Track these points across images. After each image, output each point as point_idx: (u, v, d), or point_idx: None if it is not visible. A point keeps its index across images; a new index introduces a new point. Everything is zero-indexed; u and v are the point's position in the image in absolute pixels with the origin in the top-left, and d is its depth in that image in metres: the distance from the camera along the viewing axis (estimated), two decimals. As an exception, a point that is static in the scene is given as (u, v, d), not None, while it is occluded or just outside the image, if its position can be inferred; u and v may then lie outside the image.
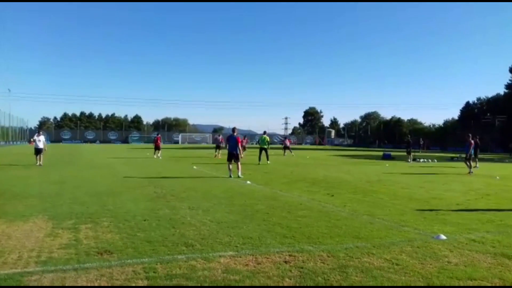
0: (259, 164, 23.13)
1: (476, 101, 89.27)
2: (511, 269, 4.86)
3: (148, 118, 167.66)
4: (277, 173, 18.16)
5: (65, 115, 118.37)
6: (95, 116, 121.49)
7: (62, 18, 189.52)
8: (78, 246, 5.59)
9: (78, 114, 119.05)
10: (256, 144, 54.47)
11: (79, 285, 4.19)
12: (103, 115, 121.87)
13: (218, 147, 31.51)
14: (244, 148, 26.55)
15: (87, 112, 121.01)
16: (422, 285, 4.29)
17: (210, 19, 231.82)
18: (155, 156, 29.43)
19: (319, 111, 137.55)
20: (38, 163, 20.52)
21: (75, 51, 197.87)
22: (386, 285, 4.28)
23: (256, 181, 14.33)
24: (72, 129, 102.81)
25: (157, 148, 30.02)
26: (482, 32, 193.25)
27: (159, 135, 32.09)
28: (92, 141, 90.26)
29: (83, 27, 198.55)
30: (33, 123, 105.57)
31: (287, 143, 36.86)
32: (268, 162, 23.75)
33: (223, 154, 26.45)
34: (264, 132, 25.83)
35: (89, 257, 5.08)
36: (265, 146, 24.23)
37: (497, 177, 17.45)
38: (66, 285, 4.19)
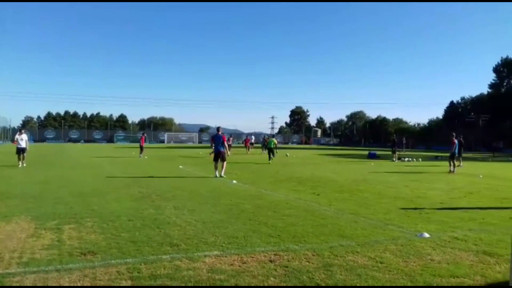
0: (269, 163, 24.33)
1: (460, 101, 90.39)
2: (493, 266, 4.93)
3: (134, 117, 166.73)
4: (263, 172, 18.17)
5: (49, 114, 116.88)
6: (79, 115, 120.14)
7: (43, 16, 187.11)
8: (61, 247, 5.52)
9: (62, 113, 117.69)
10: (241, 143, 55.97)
11: (61, 285, 4.14)
12: (88, 114, 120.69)
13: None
14: (229, 147, 28.20)
15: (71, 111, 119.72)
16: (406, 283, 4.33)
17: (197, 18, 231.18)
18: (140, 156, 29.14)
19: (305, 110, 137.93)
20: (20, 165, 19.41)
21: (60, 49, 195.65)
22: (370, 283, 4.31)
23: (242, 180, 14.31)
24: (56, 128, 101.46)
25: (140, 148, 30.03)
26: (466, 33, 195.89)
27: (144, 135, 31.97)
28: (77, 140, 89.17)
29: (68, 25, 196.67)
30: (16, 122, 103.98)
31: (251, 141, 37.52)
32: (270, 162, 24.78)
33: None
34: (273, 136, 32.01)
35: (72, 258, 5.03)
36: (272, 147, 26.49)
37: (480, 176, 17.69)
38: (49, 285, 4.13)
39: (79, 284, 4.17)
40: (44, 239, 5.93)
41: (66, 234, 6.23)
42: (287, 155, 33.95)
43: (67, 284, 4.17)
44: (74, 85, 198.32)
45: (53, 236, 6.13)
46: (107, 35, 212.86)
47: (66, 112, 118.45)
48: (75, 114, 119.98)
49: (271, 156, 25.75)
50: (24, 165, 19.47)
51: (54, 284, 4.17)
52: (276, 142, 27.93)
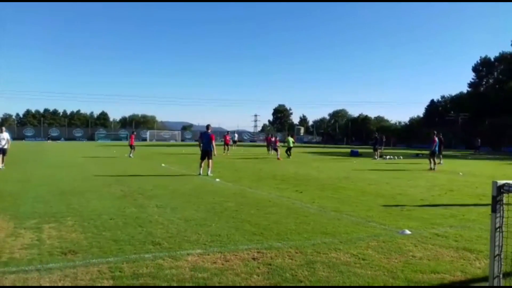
0: (288, 158, 27.65)
1: (440, 99, 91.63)
2: (473, 262, 5.01)
3: (115, 115, 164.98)
4: (247, 170, 18.17)
5: (28, 111, 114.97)
6: (59, 113, 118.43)
7: (23, 13, 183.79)
8: (41, 246, 5.44)
9: (42, 110, 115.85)
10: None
11: (42, 285, 4.07)
12: (68, 112, 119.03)
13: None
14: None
15: (51, 108, 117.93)
16: (388, 280, 4.37)
17: (181, 16, 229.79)
18: (131, 156, 27.57)
19: (288, 108, 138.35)
20: (0, 166, 17.00)
21: (39, 46, 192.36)
22: (352, 279, 4.34)
23: (226, 178, 14.28)
24: (35, 126, 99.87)
25: (131, 146, 28.61)
26: (447, 32, 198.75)
27: (134, 133, 31.26)
28: (57, 138, 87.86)
29: (46, 21, 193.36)
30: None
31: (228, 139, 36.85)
32: (289, 157, 28.01)
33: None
34: (292, 135, 34.12)
35: (53, 257, 4.95)
36: (291, 145, 29.49)
37: (460, 173, 17.97)
38: (29, 285, 4.06)
39: (60, 284, 4.10)
40: (24, 239, 5.82)
41: (46, 233, 6.13)
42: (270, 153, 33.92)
43: (47, 284, 4.10)
44: (54, 83, 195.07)
45: (33, 235, 6.03)
46: (90, 32, 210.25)
47: (46, 110, 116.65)
48: (55, 112, 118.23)
49: (288, 153, 28.51)
50: (3, 167, 16.97)
51: (34, 284, 4.10)
52: (293, 140, 31.15)
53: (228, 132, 38.83)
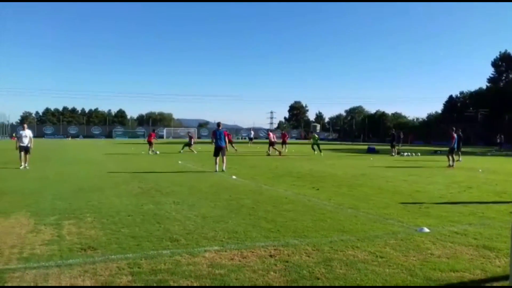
0: (315, 154, 28.56)
1: (459, 95, 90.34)
2: (493, 260, 4.94)
3: (132, 113, 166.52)
4: (263, 167, 18.18)
5: (47, 109, 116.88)
6: (78, 111, 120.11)
7: (43, 11, 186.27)
8: (61, 242, 5.52)
9: (60, 108, 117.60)
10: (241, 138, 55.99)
11: (63, 282, 4.14)
12: (86, 110, 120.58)
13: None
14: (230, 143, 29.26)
15: (70, 106, 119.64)
16: (406, 278, 4.34)
17: (197, 15, 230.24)
18: (150, 152, 28.10)
19: (304, 105, 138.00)
20: (23, 165, 16.19)
21: (58, 45, 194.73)
22: (370, 277, 4.31)
23: (242, 175, 14.32)
24: (54, 124, 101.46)
25: (150, 143, 29.02)
26: (465, 27, 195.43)
27: (155, 131, 31.57)
28: (75, 136, 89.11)
29: (66, 21, 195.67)
30: (15, 118, 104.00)
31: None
32: (322, 154, 28.37)
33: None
34: (314, 132, 33.32)
35: (72, 253, 5.03)
36: (318, 142, 30.10)
37: (480, 170, 17.71)
38: (50, 282, 4.13)
39: (79, 280, 4.17)
40: (44, 235, 5.92)
41: (65, 230, 6.23)
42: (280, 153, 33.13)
43: (68, 280, 4.17)
44: (73, 81, 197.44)
45: (53, 231, 6.13)
46: (106, 31, 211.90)
47: (65, 108, 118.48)
48: (74, 110, 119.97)
49: (318, 150, 29.15)
50: (27, 167, 16.20)
51: (54, 280, 4.17)
52: (317, 137, 31.45)
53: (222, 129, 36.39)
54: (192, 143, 30.49)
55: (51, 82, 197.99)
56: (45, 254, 5.01)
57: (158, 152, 28.38)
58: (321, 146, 30.68)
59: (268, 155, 27.76)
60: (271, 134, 30.97)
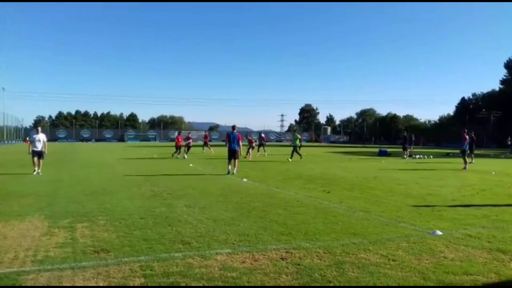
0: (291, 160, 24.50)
1: (471, 97, 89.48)
2: (507, 264, 4.89)
3: (144, 116, 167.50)
4: (273, 170, 18.18)
5: (60, 113, 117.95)
6: (90, 115, 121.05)
7: (55, 16, 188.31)
8: (74, 245, 5.58)
9: (73, 112, 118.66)
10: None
11: (77, 284, 4.18)
12: (99, 114, 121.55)
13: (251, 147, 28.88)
14: (252, 147, 28.65)
15: (82, 110, 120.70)
16: (419, 281, 4.31)
17: (207, 17, 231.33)
18: (178, 156, 26.82)
19: (315, 108, 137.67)
20: (36, 171, 15.35)
21: (70, 49, 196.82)
22: (382, 280, 4.30)
23: (253, 178, 14.33)
24: (67, 127, 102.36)
25: (177, 147, 27.30)
26: (477, 28, 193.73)
27: (181, 134, 29.20)
28: (88, 139, 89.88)
29: (78, 25, 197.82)
30: (28, 122, 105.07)
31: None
32: (290, 160, 24.76)
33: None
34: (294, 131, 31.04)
35: (86, 256, 5.08)
36: (298, 144, 26.53)
37: (493, 173, 17.53)
38: (63, 284, 4.18)
39: (93, 282, 4.21)
40: (58, 238, 5.99)
41: (79, 233, 6.29)
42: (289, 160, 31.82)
43: (81, 282, 4.21)
44: (85, 85, 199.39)
45: (67, 234, 6.20)
46: (117, 35, 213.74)
47: (77, 112, 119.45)
48: (86, 114, 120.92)
49: (297, 153, 25.31)
50: (40, 173, 15.33)
51: (68, 282, 4.21)
52: (299, 138, 27.79)
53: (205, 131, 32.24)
54: (189, 145, 28.42)
55: (64, 86, 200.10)
56: (59, 256, 5.07)
57: (184, 157, 26.46)
58: (333, 149, 30.24)
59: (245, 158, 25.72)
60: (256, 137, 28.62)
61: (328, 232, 6.43)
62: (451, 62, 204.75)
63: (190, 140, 28.56)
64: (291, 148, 26.51)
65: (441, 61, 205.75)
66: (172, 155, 27.46)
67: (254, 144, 29.80)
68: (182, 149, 27.73)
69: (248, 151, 27.46)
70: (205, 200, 9.54)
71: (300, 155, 25.79)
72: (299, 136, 27.70)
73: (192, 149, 29.29)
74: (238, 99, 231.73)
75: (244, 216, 7.65)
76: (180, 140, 27.85)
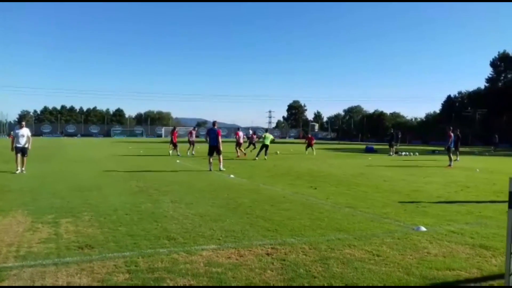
0: (256, 159, 22.74)
1: (457, 95, 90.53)
2: (489, 259, 4.95)
3: (131, 111, 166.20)
4: (261, 167, 18.18)
5: (45, 108, 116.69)
6: (76, 110, 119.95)
7: (43, 10, 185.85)
8: (58, 241, 5.52)
9: (58, 107, 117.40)
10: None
11: (59, 279, 4.14)
12: (84, 109, 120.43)
13: (251, 143, 28.09)
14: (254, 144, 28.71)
15: (68, 105, 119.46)
16: (403, 276, 4.34)
17: (195, 13, 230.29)
18: (171, 152, 25.85)
19: (303, 104, 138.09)
20: (19, 170, 14.24)
21: (56, 44, 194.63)
22: (366, 276, 4.32)
23: (240, 174, 14.32)
24: (52, 122, 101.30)
25: (174, 144, 26.02)
26: (464, 27, 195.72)
27: (176, 130, 27.74)
28: (73, 134, 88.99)
29: (65, 19, 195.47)
30: (13, 117, 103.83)
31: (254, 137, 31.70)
32: (256, 158, 22.93)
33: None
34: (266, 130, 28.42)
35: (70, 252, 5.03)
36: (266, 143, 23.64)
37: (477, 170, 17.74)
38: (46, 279, 4.13)
39: (76, 278, 4.17)
40: (41, 233, 5.92)
41: (63, 228, 6.23)
42: (277, 153, 29.98)
43: (64, 278, 4.17)
44: (71, 80, 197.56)
45: (50, 230, 6.13)
46: (104, 30, 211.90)
47: (63, 107, 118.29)
48: (72, 109, 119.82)
49: (265, 153, 23.34)
50: (24, 171, 14.26)
51: (51, 278, 4.17)
52: (272, 138, 25.16)
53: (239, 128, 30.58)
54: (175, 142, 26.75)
55: (49, 81, 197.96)
56: (42, 252, 5.01)
57: (180, 154, 25.49)
58: (321, 146, 30.16)
59: (237, 157, 24.70)
60: (239, 133, 26.58)
61: (314, 228, 6.45)
62: (438, 61, 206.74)
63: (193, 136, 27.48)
64: (275, 145, 25.24)
65: (428, 59, 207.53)
66: (174, 153, 26.05)
67: (254, 141, 29.59)
68: (188, 146, 26.95)
69: (246, 147, 26.92)
70: (192, 196, 9.51)
71: (263, 154, 23.36)
72: (271, 137, 24.71)
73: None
74: (226, 95, 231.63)
75: (231, 212, 7.64)
76: (176, 135, 26.63)
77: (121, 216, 7.10)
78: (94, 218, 6.96)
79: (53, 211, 7.48)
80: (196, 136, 29.84)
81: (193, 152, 26.56)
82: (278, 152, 30.32)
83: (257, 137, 31.02)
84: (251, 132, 32.63)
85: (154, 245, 5.35)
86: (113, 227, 6.30)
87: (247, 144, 29.82)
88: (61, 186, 10.86)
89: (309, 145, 30.62)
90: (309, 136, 32.54)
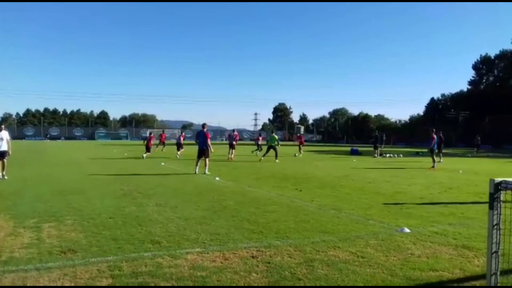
0: (261, 160, 23.76)
1: (440, 97, 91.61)
2: (472, 260, 5.02)
3: (115, 114, 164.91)
4: (247, 169, 18.17)
5: (28, 111, 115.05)
6: (59, 112, 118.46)
7: (23, 11, 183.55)
8: (40, 245, 5.44)
9: (41, 110, 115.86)
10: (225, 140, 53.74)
11: (41, 285, 4.08)
12: (68, 111, 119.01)
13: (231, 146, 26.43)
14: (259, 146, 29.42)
15: (51, 108, 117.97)
16: (386, 277, 4.38)
17: (180, 15, 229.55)
18: (144, 156, 25.31)
19: (288, 107, 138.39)
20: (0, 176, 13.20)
21: (39, 45, 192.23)
22: (351, 277, 4.34)
23: (225, 177, 14.30)
24: (35, 125, 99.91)
25: (147, 148, 26.01)
26: (447, 30, 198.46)
27: (152, 135, 28.11)
28: (57, 137, 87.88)
29: (47, 20, 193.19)
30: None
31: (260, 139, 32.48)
32: (262, 159, 23.97)
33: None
34: (272, 132, 29.87)
35: (52, 256, 4.96)
36: (273, 144, 24.46)
37: (460, 171, 17.97)
38: (27, 285, 4.07)
39: (59, 283, 4.11)
40: (23, 238, 5.83)
41: (45, 233, 6.14)
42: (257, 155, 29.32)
43: (46, 283, 4.11)
44: (55, 82, 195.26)
45: (32, 234, 6.04)
46: (90, 31, 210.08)
47: (46, 109, 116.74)
48: (55, 111, 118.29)
49: (267, 154, 24.23)
50: (6, 176, 13.20)
51: (33, 283, 4.10)
52: (277, 138, 25.42)
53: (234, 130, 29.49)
54: (151, 145, 26.85)
55: (32, 83, 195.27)
56: (24, 257, 4.93)
57: (143, 157, 25.41)
58: (306, 148, 29.96)
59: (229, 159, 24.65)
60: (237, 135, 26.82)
61: (299, 230, 6.46)
62: (422, 63, 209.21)
63: (152, 139, 27.07)
64: (266, 147, 25.62)
65: (411, 62, 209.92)
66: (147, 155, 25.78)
67: (260, 142, 30.20)
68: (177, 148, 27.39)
69: (254, 150, 27.25)
70: (177, 199, 9.46)
71: (265, 155, 24.41)
72: (276, 137, 25.59)
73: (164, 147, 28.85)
74: (212, 97, 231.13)
75: (216, 215, 7.61)
76: (151, 140, 26.74)
77: (104, 220, 7.03)
78: (77, 222, 6.88)
79: (35, 215, 7.37)
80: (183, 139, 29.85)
81: (180, 154, 26.46)
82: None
83: (262, 139, 32.25)
84: (235, 132, 32.39)
85: (138, 249, 5.30)
86: (96, 231, 6.23)
87: (256, 146, 30.85)
88: (44, 189, 10.71)
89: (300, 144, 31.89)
90: (298, 135, 33.50)
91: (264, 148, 26.77)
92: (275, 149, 24.23)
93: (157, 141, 34.59)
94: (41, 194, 9.95)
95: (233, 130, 28.70)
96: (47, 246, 5.43)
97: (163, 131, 36.57)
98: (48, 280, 4.18)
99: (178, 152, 27.13)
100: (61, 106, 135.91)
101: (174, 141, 30.37)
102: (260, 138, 32.54)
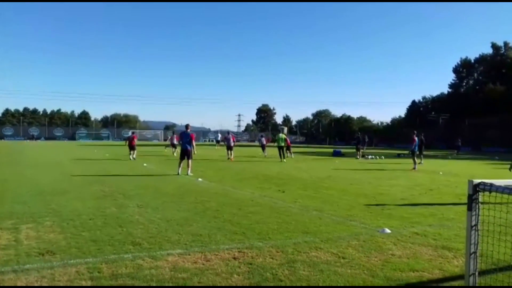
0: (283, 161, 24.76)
1: (421, 100, 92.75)
2: (451, 260, 5.08)
3: (97, 114, 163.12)
4: (230, 170, 18.13)
5: (7, 110, 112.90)
6: (39, 112, 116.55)
7: (6, 11, 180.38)
8: (18, 247, 5.34)
9: (21, 109, 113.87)
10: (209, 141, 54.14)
11: (18, 286, 4.00)
12: (48, 111, 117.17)
13: (217, 142, 27.05)
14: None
15: (30, 107, 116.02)
16: (367, 278, 4.40)
17: (166, 15, 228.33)
18: (130, 158, 24.65)
19: (272, 108, 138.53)
20: None
21: (19, 44, 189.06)
22: (332, 278, 4.36)
23: (208, 178, 14.24)
24: (14, 125, 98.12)
25: (132, 148, 25.14)
26: (429, 33, 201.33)
27: (135, 134, 27.78)
28: (37, 137, 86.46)
29: (27, 20, 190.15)
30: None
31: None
32: (284, 160, 25.05)
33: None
34: (279, 131, 30.28)
35: (30, 258, 4.87)
36: (283, 144, 25.89)
37: (440, 173, 18.21)
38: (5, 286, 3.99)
39: (36, 285, 4.03)
40: (0, 239, 5.71)
41: (23, 234, 6.02)
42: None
43: (24, 285, 4.02)
44: (34, 81, 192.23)
45: (10, 236, 5.92)
46: (72, 31, 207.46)
47: (26, 109, 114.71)
48: (35, 111, 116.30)
49: (283, 154, 25.39)
50: None
51: (10, 285, 4.02)
52: (285, 137, 26.33)
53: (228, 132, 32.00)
54: (134, 144, 25.57)
55: (11, 82, 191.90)
56: (0, 259, 4.83)
57: (134, 158, 24.71)
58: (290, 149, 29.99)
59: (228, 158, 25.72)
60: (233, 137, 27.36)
61: (281, 231, 6.47)
62: (403, 66, 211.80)
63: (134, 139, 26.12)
64: (260, 149, 27.43)
65: (393, 64, 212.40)
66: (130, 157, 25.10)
67: (265, 144, 31.05)
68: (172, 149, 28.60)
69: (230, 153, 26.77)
70: (158, 200, 9.38)
71: (291, 153, 26.71)
72: (284, 136, 26.54)
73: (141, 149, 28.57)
74: (195, 98, 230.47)
75: (198, 216, 7.57)
76: (134, 139, 25.82)
77: (84, 221, 6.93)
78: (57, 223, 6.77)
79: (13, 216, 7.23)
80: (165, 140, 30.11)
81: (134, 157, 25.27)
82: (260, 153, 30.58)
83: (266, 140, 32.21)
84: (219, 135, 32.81)
85: (118, 251, 5.24)
86: (76, 233, 6.14)
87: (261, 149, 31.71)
88: (23, 190, 10.52)
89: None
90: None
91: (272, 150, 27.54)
92: (282, 150, 25.64)
93: (168, 142, 34.02)
94: (19, 195, 9.77)
95: (228, 133, 30.36)
96: (24, 247, 5.33)
97: (173, 132, 36.70)
98: (26, 282, 4.10)
99: (175, 151, 28.34)
100: (41, 106, 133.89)
101: (168, 142, 31.49)
102: (265, 140, 33.62)
